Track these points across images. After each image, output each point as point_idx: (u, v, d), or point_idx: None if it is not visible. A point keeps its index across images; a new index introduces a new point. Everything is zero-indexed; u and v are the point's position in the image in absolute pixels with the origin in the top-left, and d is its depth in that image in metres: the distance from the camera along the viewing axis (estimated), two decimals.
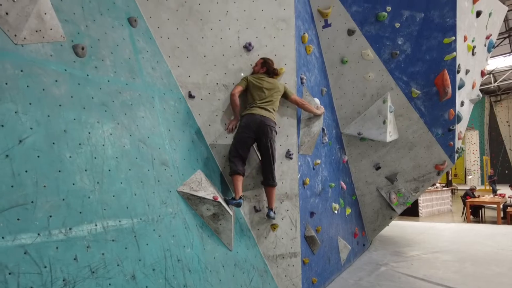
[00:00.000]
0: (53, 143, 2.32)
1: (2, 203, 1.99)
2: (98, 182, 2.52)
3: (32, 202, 2.12)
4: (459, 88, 5.44)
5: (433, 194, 12.09)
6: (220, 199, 3.30)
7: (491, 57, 18.36)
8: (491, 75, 21.46)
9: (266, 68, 3.77)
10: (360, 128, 5.50)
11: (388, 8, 4.85)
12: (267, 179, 3.71)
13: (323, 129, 4.70)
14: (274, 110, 3.75)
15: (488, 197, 11.33)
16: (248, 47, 3.81)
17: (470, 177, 23.34)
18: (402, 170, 6.03)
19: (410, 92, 5.34)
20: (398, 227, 9.01)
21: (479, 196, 11.71)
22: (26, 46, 2.33)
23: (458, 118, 5.66)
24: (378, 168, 5.99)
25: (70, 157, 2.39)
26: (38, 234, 2.10)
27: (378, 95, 5.35)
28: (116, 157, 2.71)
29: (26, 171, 2.13)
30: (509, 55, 18.60)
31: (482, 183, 22.75)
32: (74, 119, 2.50)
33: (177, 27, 3.58)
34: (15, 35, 2.28)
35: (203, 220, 3.32)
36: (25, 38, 2.33)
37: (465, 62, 5.59)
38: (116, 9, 3.10)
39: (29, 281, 2.00)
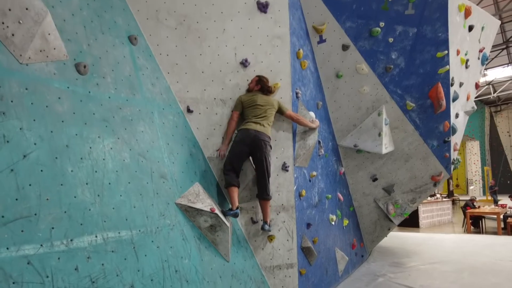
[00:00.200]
0: (56, 158, 2.42)
1: (7, 215, 2.08)
2: (98, 195, 2.62)
3: (35, 214, 2.21)
4: (453, 100, 5.54)
5: (433, 205, 12.04)
6: (217, 211, 3.39)
7: (489, 68, 18.58)
8: (491, 85, 21.60)
9: (261, 85, 3.87)
10: (356, 140, 5.59)
11: (382, 24, 4.97)
12: (261, 193, 3.79)
13: (319, 142, 4.79)
14: (268, 125, 3.83)
15: (488, 208, 11.34)
16: (244, 63, 3.94)
17: (472, 187, 23.31)
18: (399, 181, 6.09)
19: (405, 105, 5.43)
20: (398, 238, 9.01)
21: (479, 207, 11.70)
22: (30, 65, 2.44)
23: (453, 130, 5.75)
24: (375, 179, 6.06)
25: (72, 171, 2.49)
26: (41, 245, 2.19)
27: (373, 108, 5.44)
28: (116, 171, 2.81)
29: (30, 185, 2.23)
30: (507, 66, 18.79)
31: (484, 193, 22.72)
32: (76, 134, 2.60)
33: (176, 45, 3.72)
34: (21, 55, 2.39)
35: (200, 232, 3.40)
36: (29, 58, 2.44)
37: (459, 75, 5.69)
38: (117, 27, 3.23)
39: None
